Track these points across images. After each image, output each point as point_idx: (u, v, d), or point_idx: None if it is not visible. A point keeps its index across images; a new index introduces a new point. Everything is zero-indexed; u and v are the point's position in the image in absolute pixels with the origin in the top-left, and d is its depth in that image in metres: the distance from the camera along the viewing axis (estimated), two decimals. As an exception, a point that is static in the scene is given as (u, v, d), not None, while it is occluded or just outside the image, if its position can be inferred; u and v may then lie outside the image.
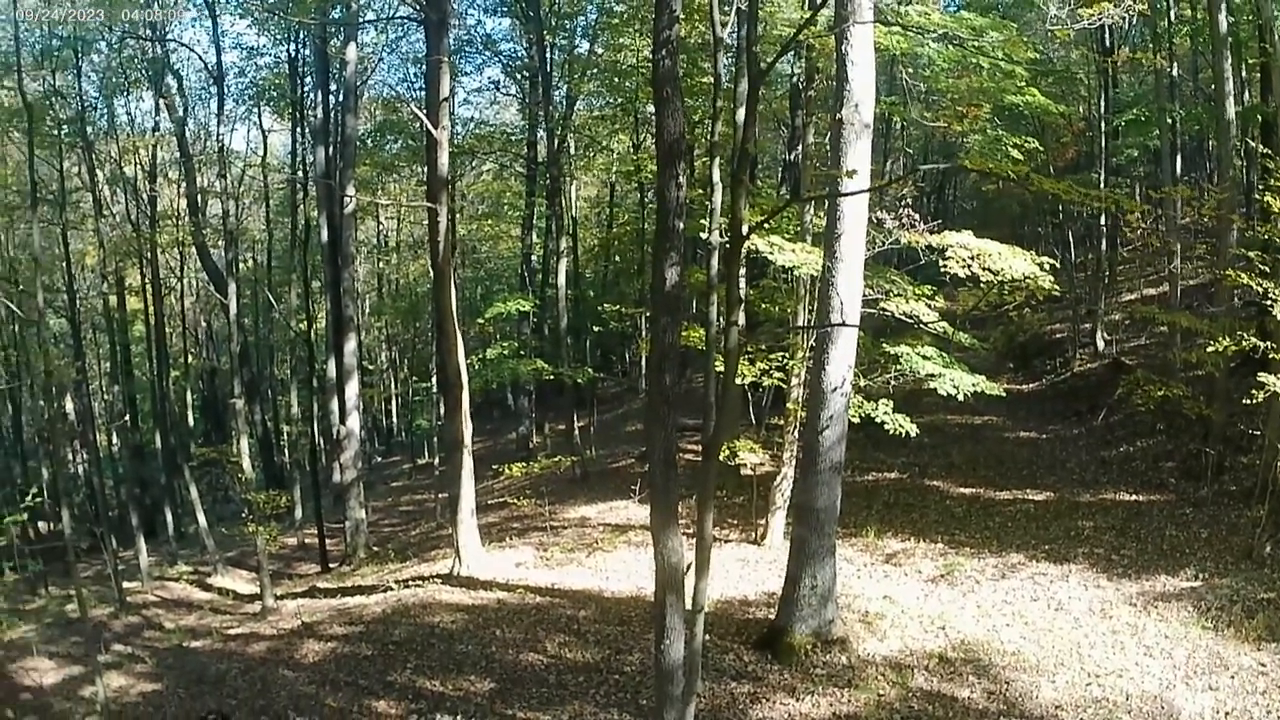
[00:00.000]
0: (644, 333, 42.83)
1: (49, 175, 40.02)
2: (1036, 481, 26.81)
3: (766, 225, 20.36)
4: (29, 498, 24.87)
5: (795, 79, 31.70)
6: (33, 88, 30.04)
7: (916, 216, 19.26)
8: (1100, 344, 37.34)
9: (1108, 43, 38.17)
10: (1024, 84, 25.85)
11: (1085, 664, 16.97)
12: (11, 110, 37.03)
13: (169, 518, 45.58)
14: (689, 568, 13.40)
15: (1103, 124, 37.94)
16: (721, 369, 13.72)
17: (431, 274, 31.91)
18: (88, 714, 23.37)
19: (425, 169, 40.98)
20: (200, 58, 46.11)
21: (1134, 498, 24.77)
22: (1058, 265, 22.25)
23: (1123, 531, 22.68)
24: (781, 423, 25.21)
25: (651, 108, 39.18)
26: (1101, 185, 35.41)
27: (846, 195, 16.64)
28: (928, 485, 27.16)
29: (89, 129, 43.01)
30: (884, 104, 23.80)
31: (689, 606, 13.50)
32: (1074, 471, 27.84)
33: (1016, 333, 40.94)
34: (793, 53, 27.30)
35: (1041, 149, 27.47)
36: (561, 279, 41.33)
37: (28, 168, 26.25)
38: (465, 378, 27.11)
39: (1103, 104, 39.10)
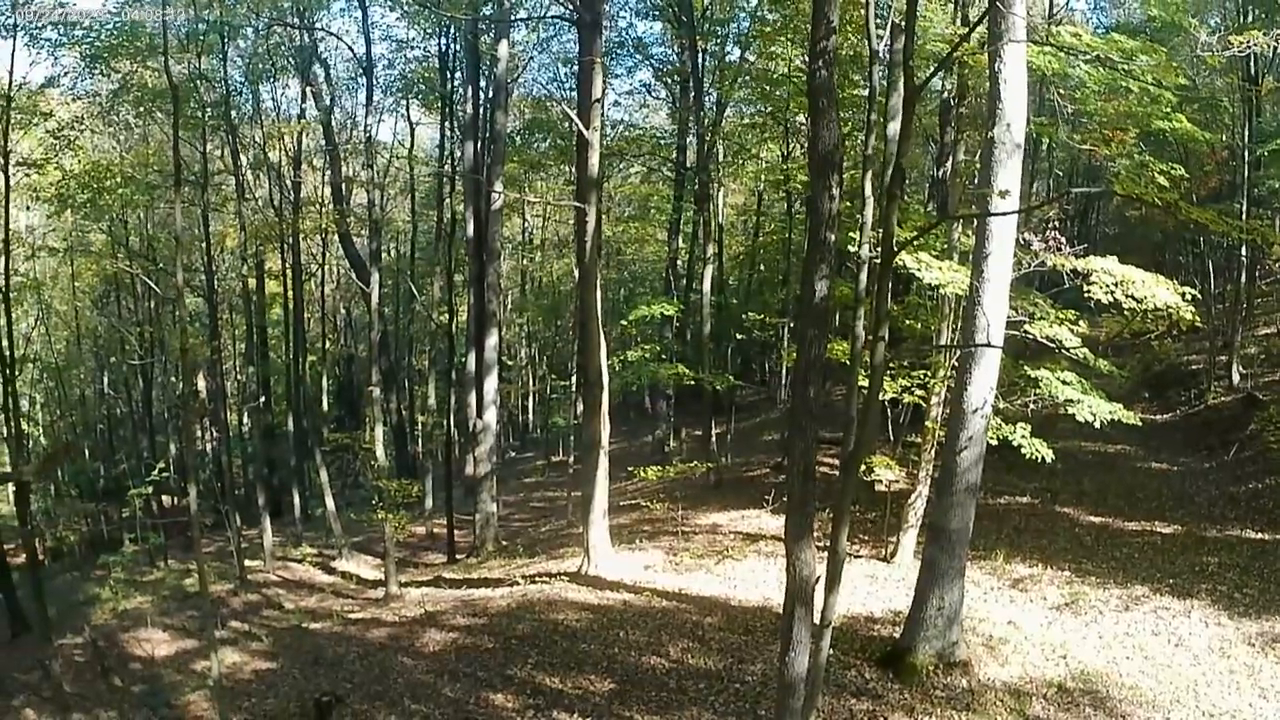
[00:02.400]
0: (786, 343, 42.75)
1: (191, 157, 40.65)
2: (1165, 514, 26.22)
3: (916, 242, 20.24)
4: (155, 471, 25.45)
5: (946, 95, 31.35)
6: (178, 70, 30.53)
7: (1063, 239, 19.00)
8: (1235, 377, 36.37)
9: (1253, 71, 37.28)
10: (1171, 110, 25.38)
11: (1201, 702, 16.63)
12: (156, 90, 37.81)
13: (296, 500, 46.34)
14: (819, 581, 13.32)
15: (1245, 154, 37.03)
16: (865, 384, 13.63)
17: (577, 273, 32.05)
18: (198, 687, 23.87)
19: (573, 168, 41.36)
20: (349, 48, 46.78)
21: (1261, 536, 24.03)
22: (1198, 295, 21.76)
23: (1247, 570, 22.03)
24: (919, 441, 24.91)
25: (802, 117, 39.25)
26: (1243, 216, 34.56)
27: (997, 215, 16.44)
28: (1058, 512, 26.68)
29: (233, 113, 43.62)
30: (1033, 124, 23.46)
31: (817, 620, 13.43)
32: (1202, 506, 27.12)
33: (1152, 362, 40.17)
34: (944, 69, 27.08)
35: (1186, 176, 26.89)
36: (707, 285, 41.17)
37: (172, 148, 26.67)
38: (606, 378, 27.18)
39: (1246, 133, 38.17)
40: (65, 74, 36.27)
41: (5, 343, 32.26)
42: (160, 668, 26.73)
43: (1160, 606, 20.39)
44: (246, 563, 35.64)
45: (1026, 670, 17.94)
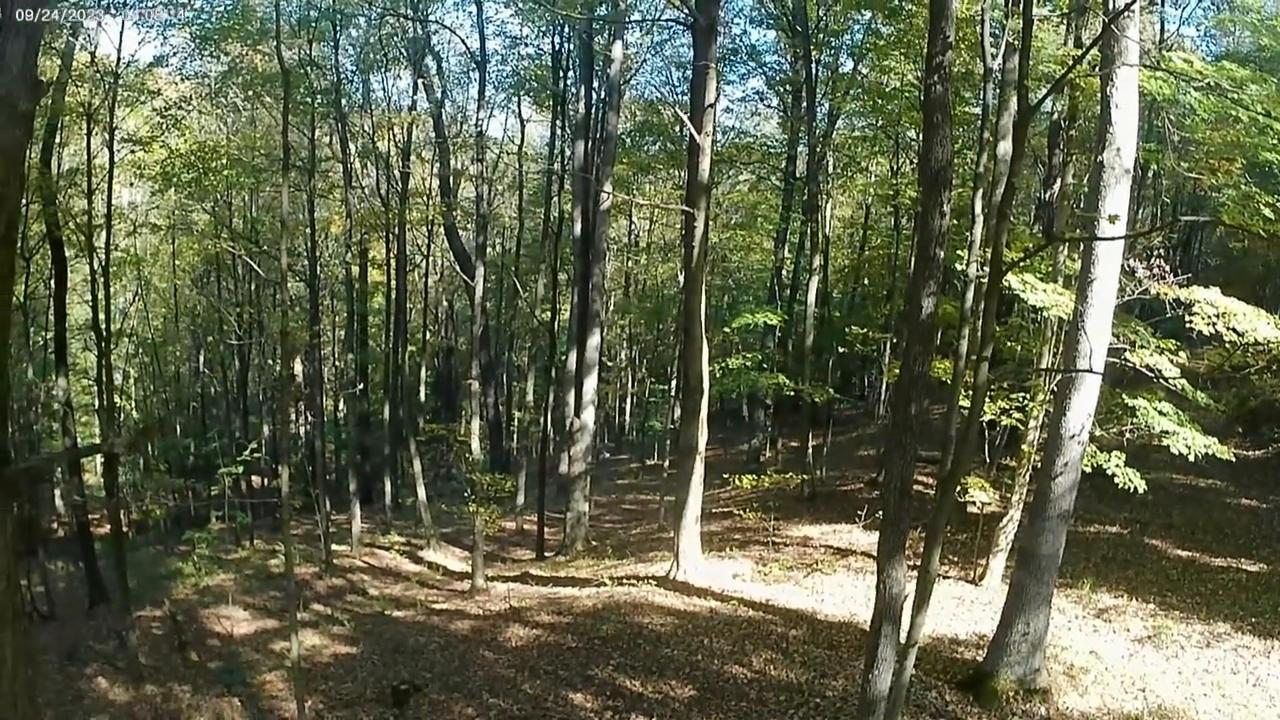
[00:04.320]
0: (887, 358, 42.49)
1: (299, 142, 41.03)
2: (1252, 551, 25.57)
3: (1022, 263, 20.07)
4: (247, 452, 25.77)
5: (1056, 117, 31.02)
6: (289, 55, 30.89)
7: (1167, 268, 18.76)
8: (1332, 416, 35.64)
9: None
10: (1279, 141, 24.94)
11: (1273, 745, 16.31)
12: (266, 75, 38.38)
13: (387, 488, 46.87)
14: (907, 599, 13.28)
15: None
16: (966, 404, 13.54)
17: (682, 278, 32.09)
18: (275, 667, 24.16)
19: (683, 173, 41.34)
20: (462, 41, 46.96)
21: (1346, 580, 23.61)
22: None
23: (1330, 613, 21.64)
24: (1014, 464, 24.69)
25: (913, 133, 39.05)
26: (1349, 252, 33.88)
27: (1105, 240, 16.25)
28: (1146, 543, 26.20)
29: (343, 102, 44.10)
30: (1141, 150, 23.17)
31: (902, 639, 13.39)
32: (1290, 545, 26.70)
33: (1248, 396, 39.44)
34: (1056, 90, 26.82)
35: (1292, 209, 26.37)
36: (811, 296, 41.01)
37: (281, 133, 26.99)
38: (707, 384, 27.20)
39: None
40: (174, 54, 36.95)
41: (102, 317, 32.80)
42: (238, 645, 27.12)
43: (1241, 645, 19.98)
44: (333, 547, 36.11)
45: (1105, 702, 17.69)
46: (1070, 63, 17.60)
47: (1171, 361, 20.11)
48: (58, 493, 49.55)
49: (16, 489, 10.94)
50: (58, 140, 34.47)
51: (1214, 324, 17.78)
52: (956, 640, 20.74)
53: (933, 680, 18.47)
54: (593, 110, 41.45)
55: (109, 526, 33.54)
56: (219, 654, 26.50)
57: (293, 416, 50.06)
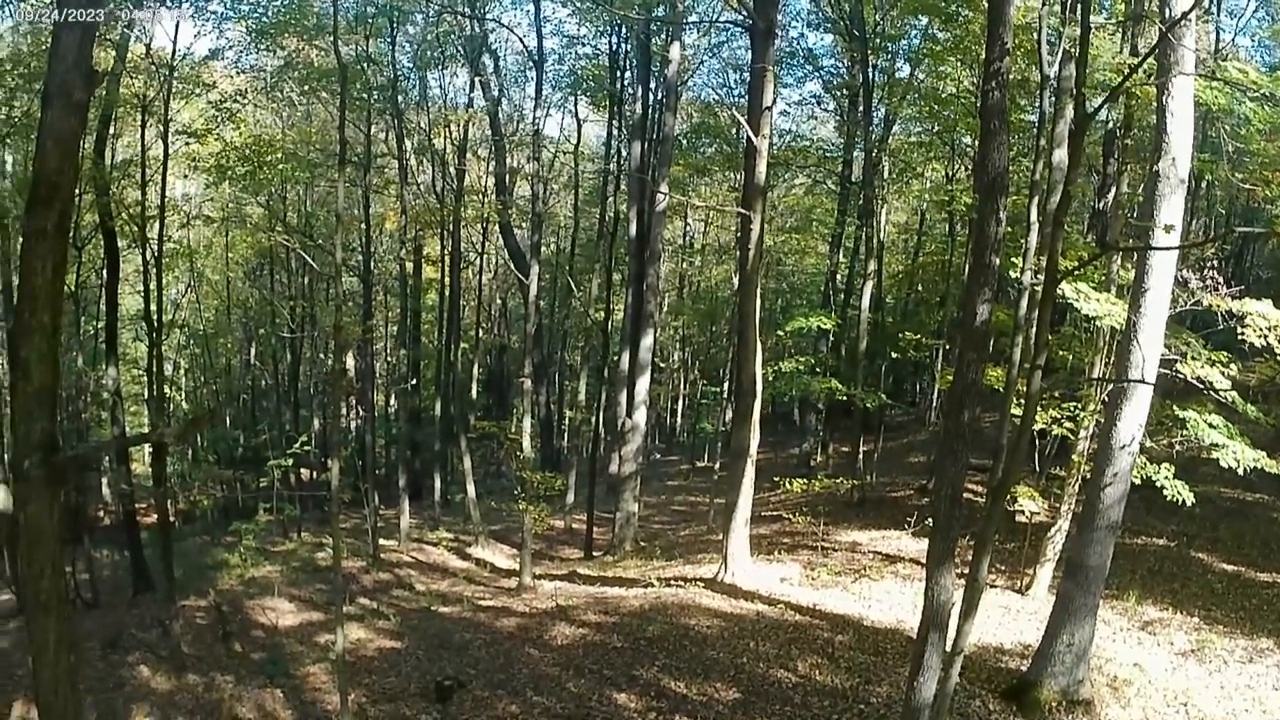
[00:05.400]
0: (940, 365, 42.35)
1: (355, 138, 41.29)
2: (1297, 567, 25.54)
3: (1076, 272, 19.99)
4: (297, 444, 25.93)
5: (1111, 125, 30.82)
6: (346, 51, 31.12)
7: (1220, 279, 18.62)
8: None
9: None
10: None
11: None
12: (322, 70, 38.79)
13: (436, 484, 47.25)
14: (954, 607, 13.27)
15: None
16: (1018, 412, 13.51)
17: (736, 280, 32.04)
18: (319, 660, 24.31)
19: (738, 175, 41.38)
20: (520, 40, 47.15)
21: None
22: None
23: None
24: (1063, 474, 24.56)
25: (968, 139, 38.89)
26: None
27: (1159, 250, 16.15)
28: (1192, 556, 25.92)
29: (400, 98, 44.40)
30: (1195, 160, 23.02)
31: (948, 647, 13.37)
32: (1336, 562, 26.39)
33: (1299, 410, 39.09)
34: (1113, 99, 26.68)
35: (1344, 221, 26.17)
36: (865, 301, 40.95)
37: (337, 128, 27.18)
38: (759, 387, 27.20)
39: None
40: (230, 47, 37.19)
41: (154, 307, 33.10)
42: (282, 637, 27.34)
43: (1284, 660, 19.90)
44: (381, 542, 36.37)
45: (1148, 715, 17.53)
46: (1126, 71, 17.49)
47: (1223, 374, 19.96)
48: (105, 481, 50.17)
49: (64, 477, 11.09)
50: (112, 131, 34.76)
51: (1265, 336, 17.66)
52: (1001, 649, 20.64)
53: (976, 689, 18.39)
54: (650, 111, 41.46)
55: (156, 516, 33.96)
56: (263, 645, 26.71)
57: (344, 411, 50.44)
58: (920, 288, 56.19)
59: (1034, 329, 13.32)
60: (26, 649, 12.79)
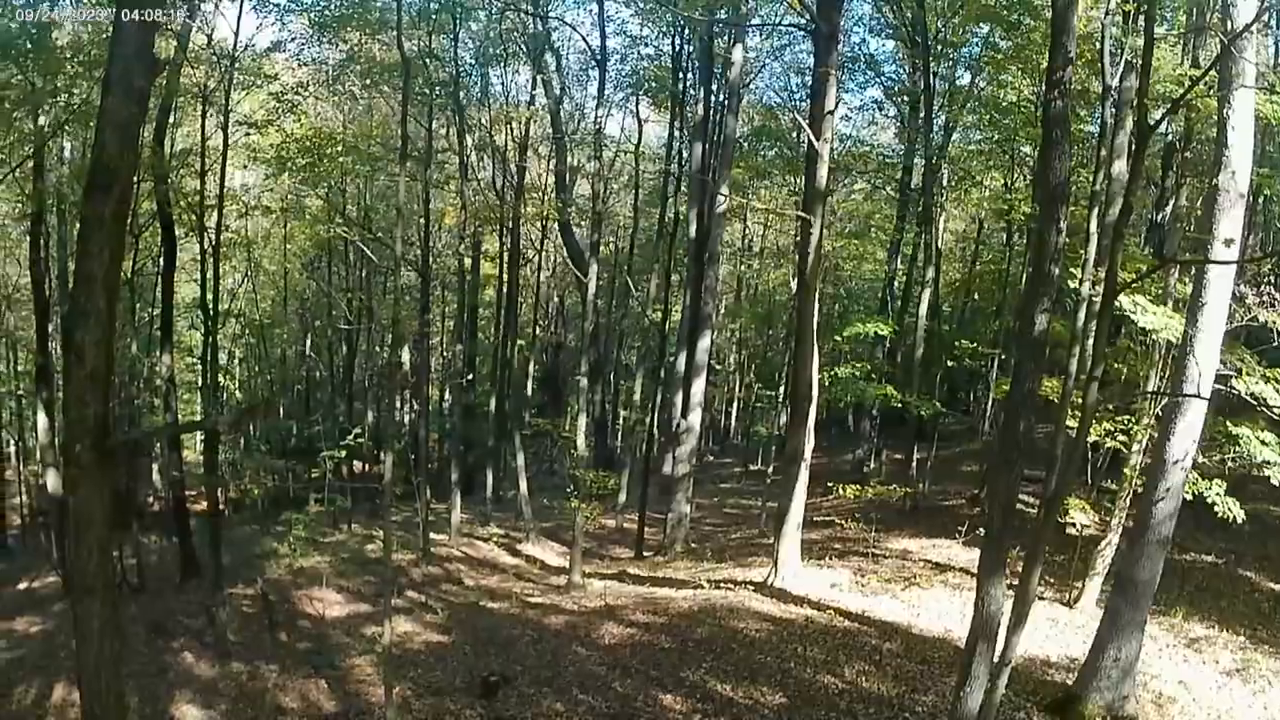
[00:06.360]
0: (995, 374, 42.15)
1: (416, 133, 41.42)
2: (1345, 588, 25.25)
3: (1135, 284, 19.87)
4: (351, 436, 26.12)
5: (1171, 138, 30.62)
6: (408, 46, 31.24)
7: (1277, 295, 18.46)
8: None
9: None
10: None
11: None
12: (384, 64, 38.94)
13: (489, 479, 47.56)
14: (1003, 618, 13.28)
15: None
16: (1073, 424, 13.49)
17: (794, 284, 32.01)
18: (365, 652, 24.51)
19: (797, 179, 41.32)
20: (583, 39, 47.39)
21: None
22: None
23: None
24: (1115, 487, 24.43)
25: (1027, 148, 38.65)
26: None
27: (1219, 264, 16.05)
28: (1240, 574, 25.74)
29: (462, 94, 44.65)
30: (1255, 175, 22.82)
31: (996, 658, 13.36)
32: (1383, 584, 26.08)
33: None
34: (1174, 111, 26.50)
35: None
36: (923, 308, 40.89)
37: (399, 123, 27.38)
38: (815, 392, 27.20)
39: None
40: (292, 40, 37.34)
41: (211, 296, 33.36)
42: (329, 628, 27.60)
43: (1328, 684, 19.72)
44: (432, 536, 36.44)
45: (1191, 733, 17.54)
46: (1188, 83, 17.41)
47: (1277, 390, 19.81)
48: (155, 468, 50.62)
49: (114, 461, 11.26)
50: (171, 121, 35.22)
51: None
52: (1048, 662, 20.57)
53: (1021, 701, 18.34)
54: (711, 112, 41.47)
55: (206, 503, 34.21)
56: (309, 635, 26.99)
57: (398, 404, 50.68)
58: (976, 296, 55.97)
59: (1091, 340, 13.28)
60: (71, 631, 13.00)
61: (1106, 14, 23.74)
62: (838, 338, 39.05)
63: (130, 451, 30.13)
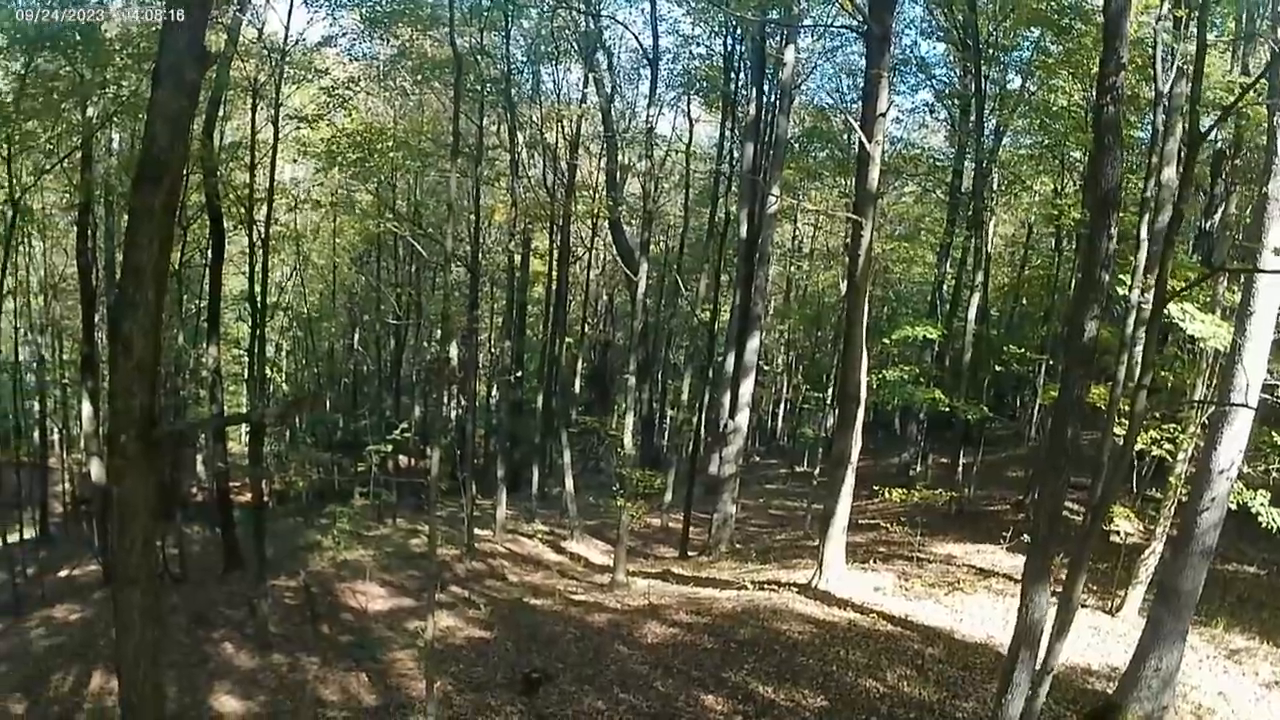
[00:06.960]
0: (1042, 380, 41.95)
1: (467, 129, 41.52)
2: (1385, 600, 24.99)
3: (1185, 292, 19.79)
4: (398, 431, 26.28)
5: (1220, 145, 30.41)
6: (460, 43, 31.35)
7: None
8: None
9: None
10: None
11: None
12: (436, 61, 39.13)
13: (534, 476, 47.38)
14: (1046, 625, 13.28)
15: None
16: (1120, 431, 13.47)
17: (844, 286, 31.96)
18: (407, 646, 24.68)
19: (848, 181, 41.25)
20: (635, 38, 47.24)
21: None
22: None
23: None
24: (1159, 496, 24.28)
25: (1077, 153, 38.47)
26: None
27: (1268, 273, 15.96)
28: (1281, 586, 25.69)
29: (513, 91, 44.65)
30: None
31: (1038, 665, 13.36)
32: None
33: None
34: (1225, 119, 26.31)
35: None
36: (972, 313, 40.84)
37: (450, 119, 27.48)
38: (864, 394, 27.21)
39: None
40: (343, 35, 37.40)
41: (259, 289, 33.60)
42: (371, 621, 27.78)
43: (1365, 697, 19.56)
44: (476, 531, 36.62)
45: (1229, 746, 17.46)
46: (1239, 91, 17.32)
47: (1321, 402, 19.68)
48: (200, 459, 50.97)
49: (160, 452, 11.39)
50: (222, 114, 35.63)
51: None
52: (1089, 670, 20.50)
53: (1061, 709, 18.31)
54: (763, 113, 41.42)
55: (250, 495, 34.39)
56: (351, 628, 27.17)
57: (445, 399, 50.81)
58: (1025, 301, 55.70)
59: (1140, 347, 13.26)
60: (110, 619, 13.14)
61: (1158, 20, 23.67)
62: (886, 340, 38.92)
63: (175, 442, 30.33)
